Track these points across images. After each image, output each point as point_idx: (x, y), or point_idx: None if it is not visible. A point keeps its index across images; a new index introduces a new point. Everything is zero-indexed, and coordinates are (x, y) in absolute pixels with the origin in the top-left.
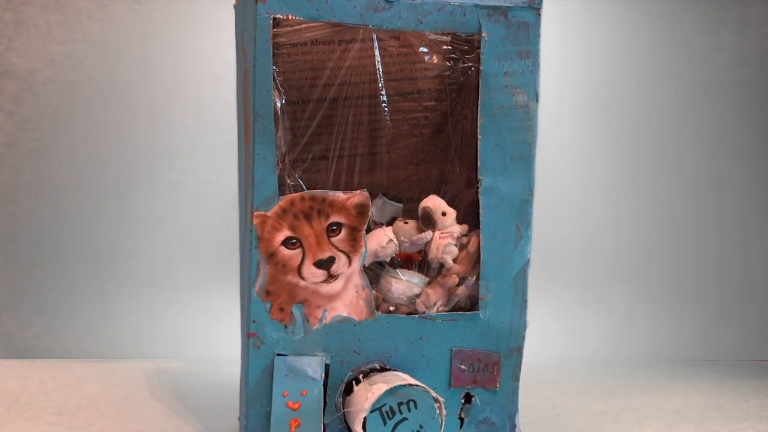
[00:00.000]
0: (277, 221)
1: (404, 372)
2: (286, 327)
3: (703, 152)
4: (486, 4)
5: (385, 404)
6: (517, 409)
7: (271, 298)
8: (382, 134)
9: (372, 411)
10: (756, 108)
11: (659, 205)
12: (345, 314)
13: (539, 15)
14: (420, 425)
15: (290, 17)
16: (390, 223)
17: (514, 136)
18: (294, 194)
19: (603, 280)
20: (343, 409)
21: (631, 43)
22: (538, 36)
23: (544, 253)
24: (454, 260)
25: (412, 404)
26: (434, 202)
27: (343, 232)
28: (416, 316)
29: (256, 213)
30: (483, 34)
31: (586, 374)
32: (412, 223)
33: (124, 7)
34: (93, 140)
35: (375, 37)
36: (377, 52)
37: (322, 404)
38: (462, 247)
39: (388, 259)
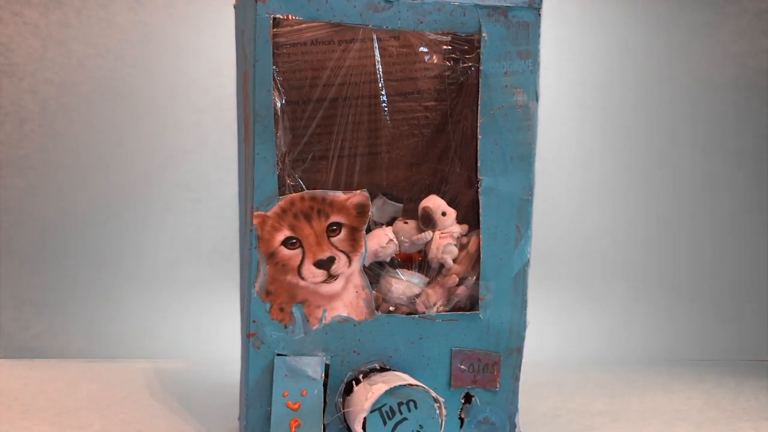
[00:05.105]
0: (277, 221)
1: (404, 372)
2: (286, 327)
3: (700, 152)
4: (486, 4)
5: (385, 404)
6: (516, 409)
7: (271, 298)
8: (382, 134)
9: (372, 411)
10: (752, 109)
11: (657, 205)
12: (345, 314)
13: (539, 15)
14: (420, 425)
15: (290, 17)
16: (390, 223)
17: (514, 136)
18: (294, 194)
19: (601, 280)
20: (343, 409)
21: (628, 44)
22: (538, 36)
23: (542, 253)
24: (454, 260)
25: (412, 404)
26: (434, 202)
27: (343, 232)
28: (416, 316)
29: (256, 213)
30: (483, 34)
31: (585, 374)
32: (412, 223)
33: (124, 7)
34: (93, 140)
35: (375, 37)
36: (377, 52)
37: (322, 404)
38: (462, 247)
39: (388, 259)
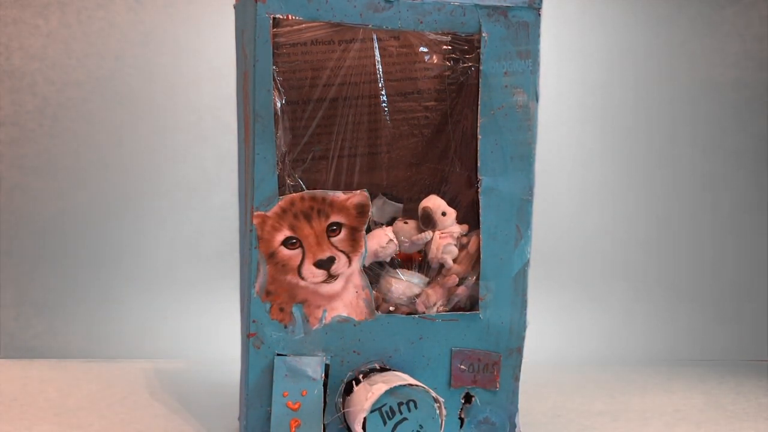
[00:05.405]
0: (277, 221)
1: (404, 372)
2: (286, 327)
3: (700, 152)
4: (486, 4)
5: (385, 404)
6: (517, 409)
7: (271, 298)
8: (382, 134)
9: (372, 411)
10: (752, 109)
11: (656, 205)
12: (345, 314)
13: (539, 15)
14: (420, 425)
15: (290, 17)
16: (390, 223)
17: (514, 136)
18: (294, 194)
19: (601, 280)
20: (343, 409)
21: (628, 43)
22: (538, 36)
23: (542, 253)
24: (454, 260)
25: (412, 404)
26: (434, 202)
27: (343, 232)
28: (416, 316)
29: (256, 213)
30: (483, 34)
31: (585, 374)
32: (412, 223)
33: (124, 7)
34: (93, 140)
35: (375, 37)
36: (377, 52)
37: (322, 404)
38: (462, 247)
39: (388, 259)
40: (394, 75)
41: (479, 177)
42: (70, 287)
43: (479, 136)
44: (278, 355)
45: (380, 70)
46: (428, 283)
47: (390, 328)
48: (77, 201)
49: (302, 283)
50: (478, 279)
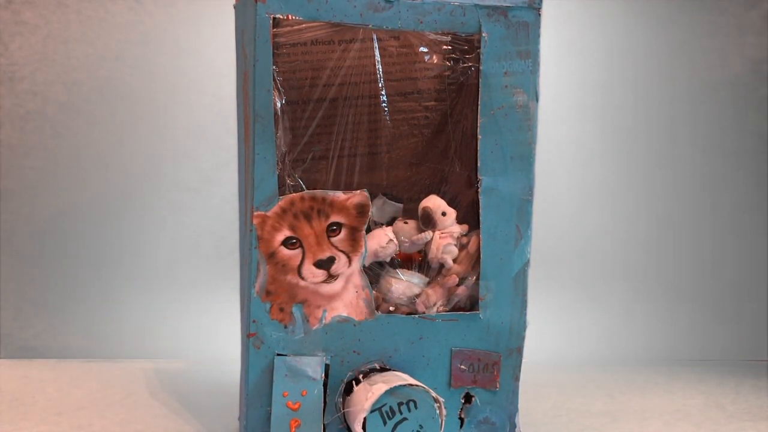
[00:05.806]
0: (277, 221)
1: (404, 372)
2: (286, 327)
3: (700, 152)
4: (486, 4)
5: (385, 404)
6: (517, 409)
7: (271, 298)
8: (382, 134)
9: (372, 411)
10: (752, 109)
11: (656, 205)
12: (345, 314)
13: (539, 15)
14: (420, 425)
15: (290, 17)
16: (390, 223)
17: (514, 136)
18: (294, 194)
19: (601, 280)
20: (343, 409)
21: (628, 43)
22: (538, 36)
23: (542, 253)
24: (454, 260)
25: (412, 404)
26: (434, 202)
27: (343, 232)
28: (416, 316)
29: (256, 213)
30: (483, 34)
31: (585, 374)
32: (412, 223)
33: (124, 7)
34: (93, 140)
35: (375, 37)
36: (377, 52)
37: (322, 404)
38: (462, 247)
39: (388, 259)
40: (394, 75)
41: (479, 177)
42: (70, 287)
43: (479, 136)
44: (278, 355)
45: (380, 70)
46: (428, 283)
47: (390, 328)
48: (77, 201)
49: (302, 283)
50: (478, 279)
